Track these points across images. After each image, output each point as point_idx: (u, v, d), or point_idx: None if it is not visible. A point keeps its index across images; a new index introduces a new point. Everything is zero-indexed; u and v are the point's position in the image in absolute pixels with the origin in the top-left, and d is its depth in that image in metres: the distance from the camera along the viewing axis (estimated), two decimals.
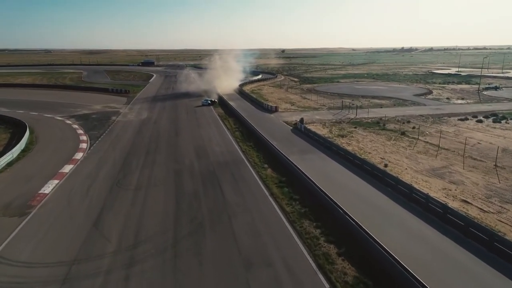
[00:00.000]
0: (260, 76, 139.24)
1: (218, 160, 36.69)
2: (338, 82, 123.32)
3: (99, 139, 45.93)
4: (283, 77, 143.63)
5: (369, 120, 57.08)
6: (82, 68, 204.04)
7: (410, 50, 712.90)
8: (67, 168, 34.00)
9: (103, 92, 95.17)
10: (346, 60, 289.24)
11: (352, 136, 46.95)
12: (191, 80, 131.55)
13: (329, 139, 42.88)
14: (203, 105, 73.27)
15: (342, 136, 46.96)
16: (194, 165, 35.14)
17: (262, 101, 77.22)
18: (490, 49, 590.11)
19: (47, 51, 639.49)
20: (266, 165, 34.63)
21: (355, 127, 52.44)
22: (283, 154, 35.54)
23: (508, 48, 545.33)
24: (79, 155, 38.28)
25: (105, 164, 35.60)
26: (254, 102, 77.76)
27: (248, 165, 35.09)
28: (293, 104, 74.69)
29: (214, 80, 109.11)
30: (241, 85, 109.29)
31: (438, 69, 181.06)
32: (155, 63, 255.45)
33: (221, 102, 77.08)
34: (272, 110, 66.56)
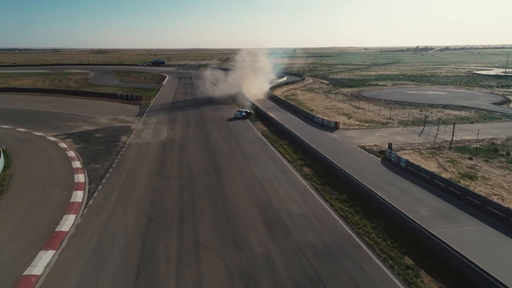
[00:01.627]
0: (285, 78, 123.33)
1: (309, 241, 20.75)
2: (377, 85, 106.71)
3: (103, 181, 30.39)
4: (311, 80, 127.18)
5: (478, 145, 40.81)
6: (90, 68, 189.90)
7: (425, 49, 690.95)
8: (39, 267, 18.34)
9: (111, 99, 79.84)
10: (366, 60, 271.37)
11: (484, 178, 30.77)
12: (210, 82, 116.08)
13: (468, 189, 26.68)
14: (235, 117, 57.58)
15: (468, 177, 30.81)
16: (272, 255, 19.29)
17: (309, 111, 61.35)
18: (509, 48, 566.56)
19: (56, 51, 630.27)
20: (409, 260, 18.63)
21: (470, 158, 36.23)
22: (429, 232, 19.65)
23: None
24: (66, 224, 22.68)
25: (110, 250, 19.91)
26: (299, 113, 61.78)
27: (378, 261, 18.98)
28: (350, 117, 58.55)
29: (238, 83, 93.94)
30: (271, 89, 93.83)
31: (477, 70, 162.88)
32: (165, 62, 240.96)
33: (258, 113, 61.23)
34: (331, 126, 50.49)
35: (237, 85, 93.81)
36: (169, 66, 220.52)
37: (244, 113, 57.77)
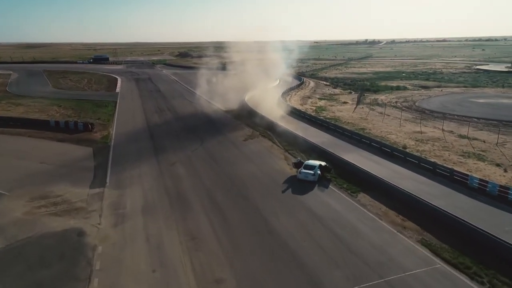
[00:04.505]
0: (278, 82, 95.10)
1: None
2: (405, 88, 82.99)
3: None
4: (311, 82, 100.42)
5: None
6: (13, 67, 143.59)
7: (374, 42, 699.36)
8: None
9: (39, 131, 45.69)
10: (333, 54, 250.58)
11: None
12: (183, 88, 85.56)
13: None
14: (300, 179, 28.88)
15: None
16: None
17: (402, 149, 34.67)
18: (450, 41, 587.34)
19: None
20: None
21: None
22: None
23: (491, 40, 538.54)
24: None
25: None
26: (398, 158, 34.35)
27: None
28: (484, 160, 32.41)
29: (226, 88, 69.26)
30: (284, 97, 67.15)
31: (478, 65, 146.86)
32: (110, 59, 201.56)
33: (334, 163, 32.29)
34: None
35: (225, 91, 66.78)
36: (115, 63, 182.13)
37: (318, 171, 28.96)
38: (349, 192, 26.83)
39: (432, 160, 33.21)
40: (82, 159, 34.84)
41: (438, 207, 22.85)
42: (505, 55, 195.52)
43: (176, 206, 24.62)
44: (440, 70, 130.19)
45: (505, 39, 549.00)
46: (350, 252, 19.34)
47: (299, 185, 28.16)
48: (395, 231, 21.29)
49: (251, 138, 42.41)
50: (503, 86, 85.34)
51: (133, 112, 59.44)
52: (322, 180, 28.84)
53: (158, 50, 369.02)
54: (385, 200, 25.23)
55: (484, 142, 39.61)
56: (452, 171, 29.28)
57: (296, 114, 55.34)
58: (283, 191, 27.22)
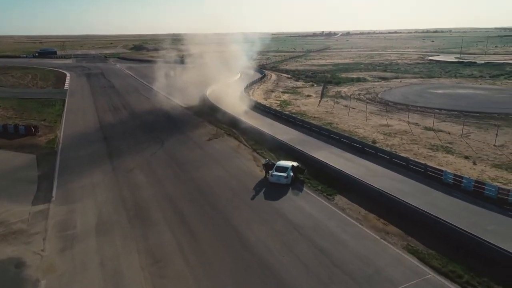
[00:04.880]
0: (240, 76, 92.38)
1: None
2: (365, 80, 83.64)
3: None
4: (273, 75, 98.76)
5: None
6: None
7: (330, 34, 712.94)
8: None
9: None
10: (292, 46, 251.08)
11: None
12: (139, 83, 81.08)
13: None
14: (272, 182, 26.83)
15: None
16: None
17: (373, 144, 33.89)
18: (401, 33, 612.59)
19: None
20: None
21: None
22: None
23: (449, 31, 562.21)
24: None
25: None
26: (369, 154, 33.30)
27: None
28: (473, 161, 32.20)
29: (185, 83, 66.66)
30: (247, 91, 65.20)
31: (430, 56, 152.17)
32: (57, 53, 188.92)
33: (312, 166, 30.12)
34: None
35: (185, 86, 63.97)
36: (64, 57, 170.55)
37: (291, 172, 26.98)
38: (325, 194, 25.14)
39: (404, 155, 32.49)
40: (23, 168, 30.54)
41: (419, 208, 21.73)
42: (453, 46, 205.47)
43: (135, 222, 21.66)
44: (395, 61, 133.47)
45: (450, 30, 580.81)
46: (334, 265, 17.57)
47: (271, 189, 26.09)
48: (379, 238, 19.83)
49: (215, 137, 39.75)
50: (456, 76, 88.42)
51: (84, 111, 54.58)
52: (295, 182, 26.93)
53: (111, 43, 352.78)
54: (363, 202, 23.80)
55: (449, 134, 39.71)
56: (426, 166, 28.53)
57: (260, 109, 53.25)
58: (255, 197, 25.05)
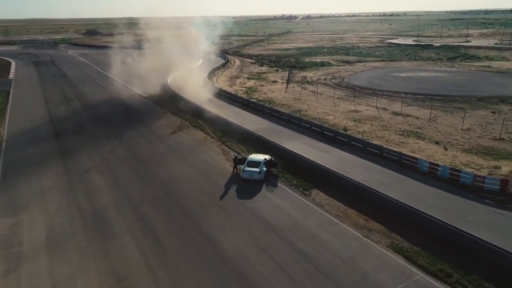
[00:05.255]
0: (202, 61, 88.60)
1: None
2: (329, 64, 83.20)
3: None
4: (237, 60, 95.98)
5: None
6: None
7: (291, 17, 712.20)
8: None
9: None
10: (253, 30, 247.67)
11: None
12: (94, 71, 75.94)
13: None
14: (244, 178, 25.08)
15: None
16: None
17: (341, 130, 33.06)
18: (359, 16, 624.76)
19: None
20: None
21: None
22: None
23: (405, 14, 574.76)
24: None
25: None
26: (345, 143, 32.29)
27: None
28: (444, 146, 32.09)
29: (143, 70, 64.10)
30: (210, 78, 62.61)
31: (389, 39, 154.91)
32: (0, 38, 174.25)
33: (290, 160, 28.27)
34: (489, 189, 23.24)
35: (144, 74, 61.09)
36: (8, 43, 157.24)
37: (264, 167, 25.27)
38: (301, 190, 23.74)
39: (376, 142, 31.80)
40: None
41: (399, 201, 20.86)
42: (409, 29, 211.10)
43: (94, 234, 19.13)
44: (357, 44, 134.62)
45: (405, 14, 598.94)
46: (318, 271, 16.22)
47: (244, 186, 24.32)
48: (362, 236, 18.72)
49: (179, 129, 37.22)
50: (415, 59, 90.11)
51: (32, 104, 49.70)
52: (269, 177, 25.32)
53: (61, 28, 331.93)
54: (341, 196, 22.65)
55: (418, 118, 39.65)
56: (400, 154, 27.89)
57: (226, 97, 50.94)
58: (227, 197, 23.16)
